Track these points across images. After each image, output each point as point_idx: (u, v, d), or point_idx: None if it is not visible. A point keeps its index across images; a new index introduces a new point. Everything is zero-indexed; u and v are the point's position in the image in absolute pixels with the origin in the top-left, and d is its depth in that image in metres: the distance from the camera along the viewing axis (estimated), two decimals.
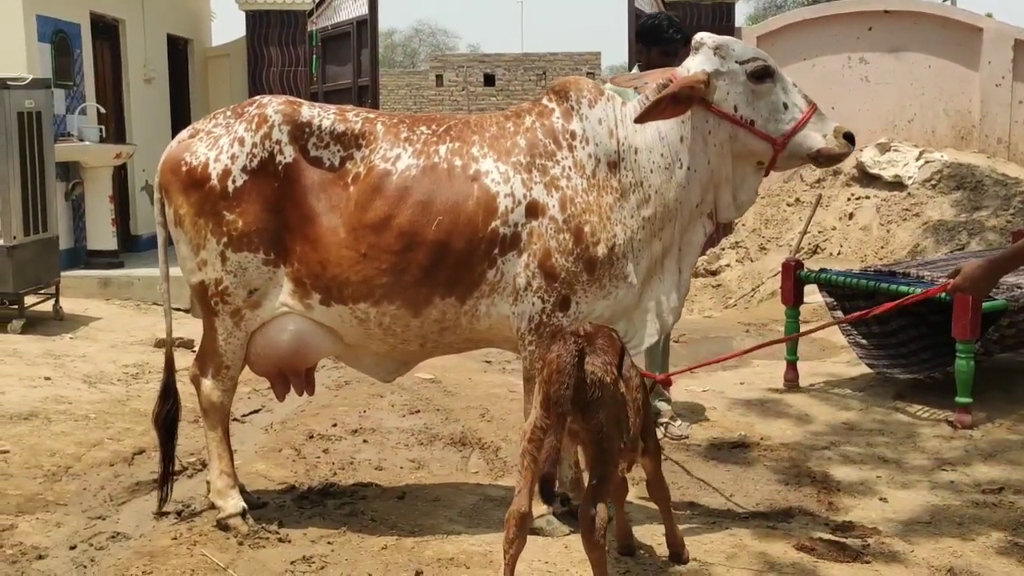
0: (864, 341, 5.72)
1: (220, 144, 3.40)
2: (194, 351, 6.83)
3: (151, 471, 4.26)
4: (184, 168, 3.41)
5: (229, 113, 3.52)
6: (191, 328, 7.36)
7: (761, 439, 4.80)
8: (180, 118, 10.44)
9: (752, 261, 10.17)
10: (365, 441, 4.74)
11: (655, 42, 4.76)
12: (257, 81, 11.04)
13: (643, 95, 3.52)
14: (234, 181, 3.36)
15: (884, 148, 10.45)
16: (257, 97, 3.59)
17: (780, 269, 8.38)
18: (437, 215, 3.36)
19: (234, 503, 3.57)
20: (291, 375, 3.73)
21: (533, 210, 3.40)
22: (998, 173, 9.84)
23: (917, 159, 10.22)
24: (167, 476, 3.70)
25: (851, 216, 10.38)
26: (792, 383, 5.71)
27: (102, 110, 8.57)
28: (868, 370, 5.94)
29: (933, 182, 9.88)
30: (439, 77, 23.65)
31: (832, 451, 4.60)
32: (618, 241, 3.44)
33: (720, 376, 6.19)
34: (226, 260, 3.40)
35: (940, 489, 4.06)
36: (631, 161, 3.49)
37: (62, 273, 7.69)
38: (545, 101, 3.58)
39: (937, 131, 10.76)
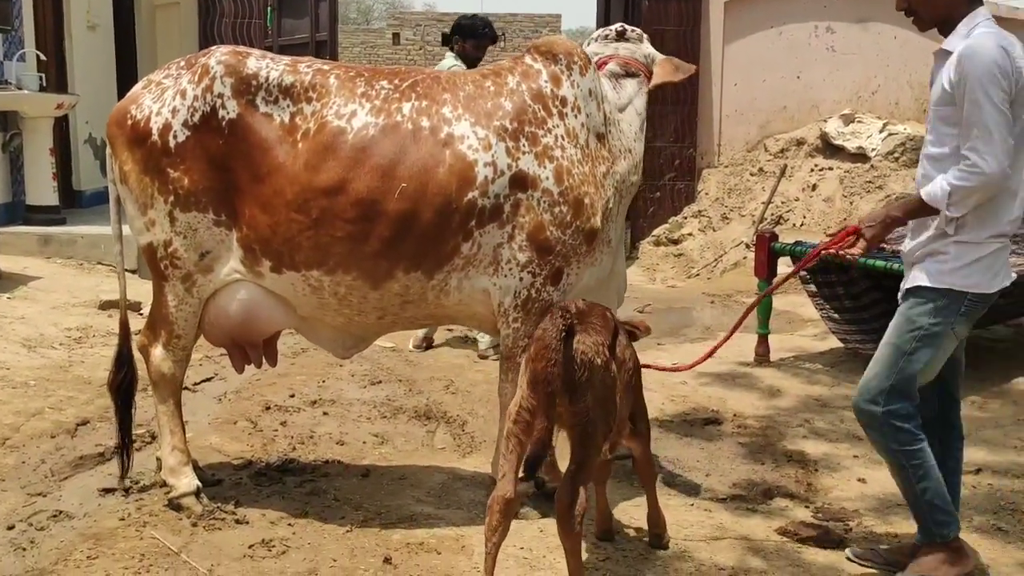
0: (836, 316, 5.62)
1: (164, 97, 3.20)
2: (142, 315, 6.62)
3: (96, 443, 4.02)
4: (129, 121, 3.21)
5: (183, 63, 3.31)
6: (138, 289, 7.03)
7: (734, 415, 4.68)
8: (126, 69, 9.95)
9: (715, 231, 10.05)
10: (325, 413, 4.52)
11: (471, 36, 5.92)
12: (208, 32, 10.52)
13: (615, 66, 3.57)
14: (175, 136, 3.16)
15: (848, 119, 10.36)
16: (212, 48, 3.35)
17: (744, 240, 8.25)
18: (399, 182, 3.10)
19: (187, 481, 3.35)
20: (248, 346, 3.52)
21: (521, 182, 3.20)
22: None
23: (881, 131, 10.15)
24: (125, 448, 3.48)
25: (814, 187, 10.30)
26: (763, 357, 5.60)
27: (42, 57, 8.09)
28: (837, 344, 5.86)
29: (896, 155, 9.83)
30: (396, 35, 23.12)
31: (806, 428, 4.50)
32: (609, 207, 3.37)
33: (689, 349, 6.06)
34: (175, 220, 3.20)
35: None
36: (616, 130, 3.45)
37: None
38: (529, 61, 3.37)
39: (901, 103, 10.69)
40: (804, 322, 6.84)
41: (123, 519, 3.24)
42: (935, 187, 2.77)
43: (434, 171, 3.13)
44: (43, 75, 8.04)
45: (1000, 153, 2.67)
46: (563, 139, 3.26)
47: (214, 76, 3.15)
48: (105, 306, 6.48)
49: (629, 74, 3.55)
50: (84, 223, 8.03)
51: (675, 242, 10.09)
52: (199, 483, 3.37)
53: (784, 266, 6.23)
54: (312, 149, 3.11)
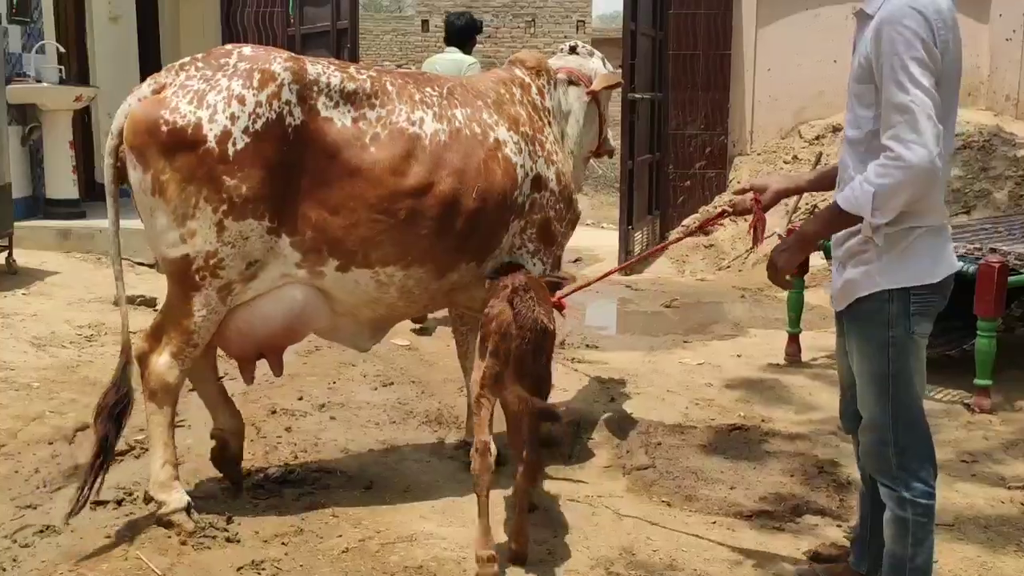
0: None
1: (210, 102, 3.01)
2: (156, 309, 6.49)
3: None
4: (165, 128, 2.99)
5: (201, 64, 3.12)
6: (154, 284, 6.94)
7: (762, 421, 4.44)
8: (149, 61, 9.84)
9: (746, 221, 9.73)
10: (332, 418, 4.35)
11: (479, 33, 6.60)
12: (231, 22, 10.44)
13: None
14: (235, 144, 3.00)
15: None
16: (229, 46, 3.22)
17: (777, 231, 7.95)
18: (473, 182, 3.35)
19: (178, 497, 3.18)
20: (272, 354, 3.45)
21: (537, 182, 3.57)
22: (1006, 132, 9.38)
23: None
24: (99, 469, 3.21)
25: None
26: (794, 357, 5.35)
27: (62, 49, 7.99)
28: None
29: None
30: (424, 23, 22.88)
31: (838, 437, 4.23)
32: None
33: (715, 348, 5.82)
34: (224, 230, 3.04)
35: (961, 483, 3.71)
36: (573, 133, 3.94)
37: (17, 224, 7.21)
38: (520, 74, 3.78)
39: None
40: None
41: (109, 536, 3.09)
42: (854, 190, 2.35)
43: (494, 172, 3.40)
44: (62, 67, 7.95)
45: (929, 141, 2.22)
46: (555, 144, 3.71)
47: (281, 83, 3.07)
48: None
49: (571, 83, 3.96)
50: (105, 217, 7.91)
51: (706, 233, 9.80)
52: (189, 499, 3.20)
53: (820, 260, 5.99)
54: (394, 154, 3.21)
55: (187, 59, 3.19)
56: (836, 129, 10.09)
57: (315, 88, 3.14)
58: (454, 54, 6.26)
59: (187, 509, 3.16)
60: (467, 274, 3.49)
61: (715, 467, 3.90)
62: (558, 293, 3.51)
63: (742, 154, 9.90)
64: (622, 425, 4.33)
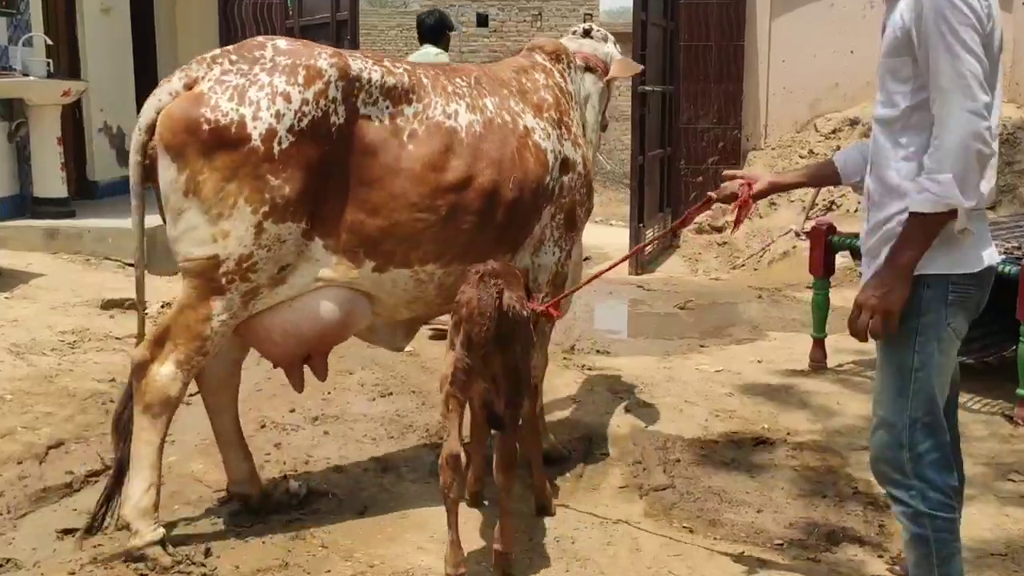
0: None
1: (252, 98, 2.84)
2: (146, 313, 6.19)
3: (66, 471, 3.60)
4: (206, 127, 2.80)
5: (235, 58, 2.93)
6: (146, 287, 6.64)
7: (788, 435, 4.12)
8: (144, 54, 9.56)
9: (761, 218, 9.41)
10: (326, 433, 4.05)
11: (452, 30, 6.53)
12: (229, 14, 10.15)
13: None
14: (280, 142, 2.85)
15: None
16: (261, 38, 3.04)
17: (793, 228, 7.64)
18: (509, 172, 3.26)
19: (155, 529, 2.88)
20: (318, 357, 3.29)
21: (565, 165, 3.50)
22: None
23: None
24: (114, 492, 3.01)
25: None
26: (819, 363, 5.03)
27: (49, 41, 7.69)
28: None
29: None
30: None
31: None
32: None
33: (734, 352, 5.51)
34: (262, 232, 2.87)
35: (1010, 506, 3.39)
36: (591, 120, 3.86)
37: (3, 223, 6.96)
38: (541, 60, 3.69)
39: None
40: None
41: (74, 573, 2.79)
42: (929, 188, 2.12)
43: (526, 160, 3.32)
44: (50, 60, 7.65)
45: (982, 109, 2.09)
46: (578, 128, 3.63)
47: (328, 80, 2.93)
48: (107, 305, 6.08)
49: (589, 69, 3.85)
50: (98, 215, 7.62)
51: (719, 230, 9.48)
52: (163, 531, 2.90)
53: (843, 259, 5.67)
54: (433, 150, 3.11)
55: (217, 52, 2.99)
56: (853, 122, 9.77)
57: (357, 85, 3.00)
58: (426, 49, 6.24)
59: (162, 542, 2.86)
60: None
61: (740, 487, 3.58)
62: (556, 296, 3.36)
63: (756, 149, 9.59)
64: (637, 439, 4.02)
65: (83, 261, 7.01)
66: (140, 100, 9.36)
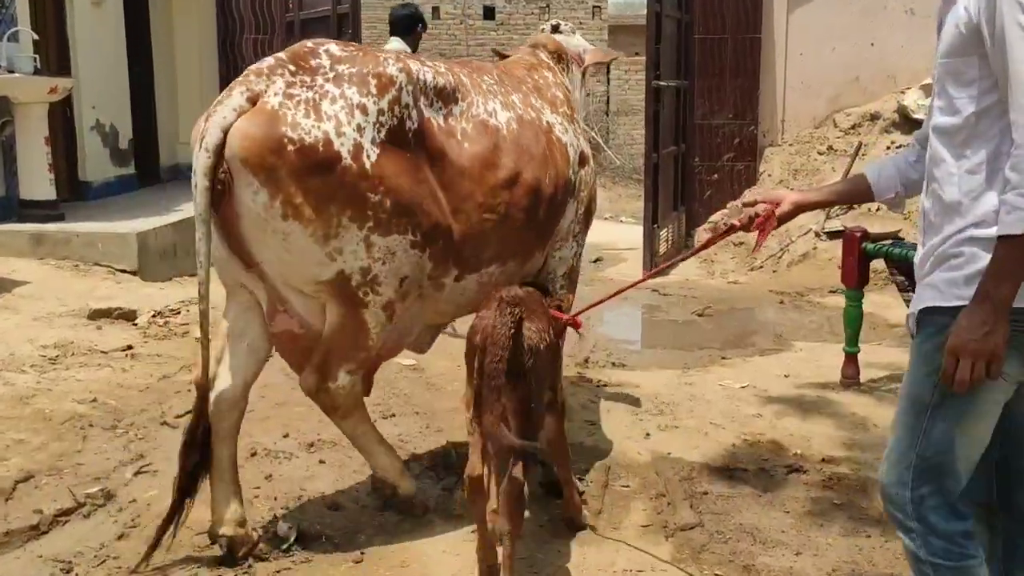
0: None
1: (328, 112, 2.72)
2: (135, 324, 5.89)
3: (33, 509, 3.27)
4: (291, 147, 2.66)
5: (293, 68, 2.78)
6: (135, 295, 6.34)
7: (823, 461, 3.79)
8: (138, 49, 9.24)
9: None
10: (321, 462, 3.72)
11: (423, 26, 6.44)
12: (227, 8, 9.83)
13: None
14: (368, 156, 2.77)
15: (929, 90, 9.30)
16: (310, 43, 2.90)
17: (812, 227, 7.33)
18: (547, 168, 3.27)
19: (411, 480, 3.30)
20: (369, 373, 3.29)
21: (582, 159, 3.52)
22: None
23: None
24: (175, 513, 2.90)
25: None
26: (852, 380, 4.68)
27: (35, 36, 7.37)
28: None
29: None
30: (435, 9, 22.17)
31: None
32: None
33: (759, 365, 5.17)
34: (372, 246, 2.83)
35: None
36: (580, 111, 3.86)
37: None
38: (545, 58, 3.80)
39: None
40: (890, 327, 5.90)
41: None
42: (1018, 204, 1.82)
43: (555, 155, 3.33)
44: (37, 56, 7.32)
45: None
46: (581, 122, 3.69)
47: (400, 86, 2.87)
48: (94, 315, 5.76)
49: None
50: (89, 218, 7.31)
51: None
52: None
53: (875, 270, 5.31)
54: (486, 148, 3.08)
55: (270, 61, 2.82)
56: (874, 117, 9.41)
57: (420, 87, 2.95)
58: (392, 44, 6.14)
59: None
60: (537, 261, 3.45)
61: (774, 525, 3.25)
62: (576, 310, 3.22)
63: (773, 145, 9.24)
64: (660, 469, 3.69)
65: (71, 267, 6.69)
66: (134, 97, 9.21)
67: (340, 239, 2.76)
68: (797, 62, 9.11)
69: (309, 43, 2.90)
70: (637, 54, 16.81)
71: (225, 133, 2.64)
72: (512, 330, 2.53)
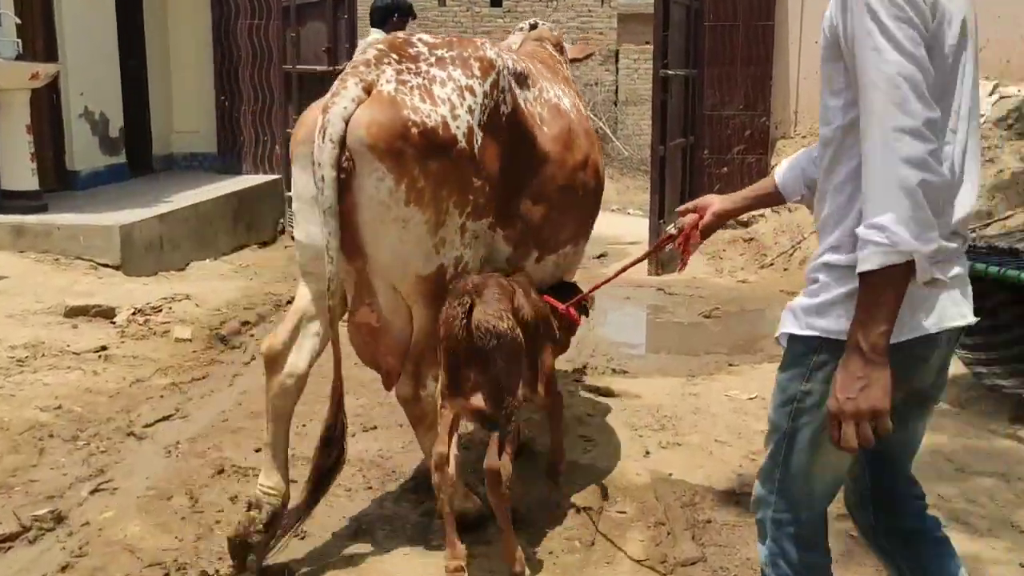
0: (968, 341, 4.34)
1: (441, 96, 2.73)
2: (113, 322, 5.61)
3: None
4: (415, 130, 2.65)
5: (395, 56, 2.79)
6: (116, 291, 6.07)
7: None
8: (130, 34, 8.94)
9: (790, 212, 8.71)
10: (293, 481, 3.42)
11: (410, 14, 6.23)
12: None
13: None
14: (477, 140, 2.78)
15: None
16: (401, 35, 2.89)
17: None
18: (596, 148, 3.38)
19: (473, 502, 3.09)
20: None
21: (602, 144, 3.45)
22: None
23: (990, 94, 8.73)
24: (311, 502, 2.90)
25: None
26: None
27: (17, 20, 7.08)
28: (958, 368, 4.61)
29: (1009, 121, 8.38)
30: None
31: (940, 508, 3.29)
32: None
33: (767, 373, 4.84)
34: (464, 232, 2.83)
35: None
36: None
37: None
38: (551, 50, 3.83)
39: (1013, 61, 9.22)
40: None
41: None
42: (871, 238, 1.60)
43: (593, 137, 3.40)
44: (20, 41, 7.03)
45: (921, 124, 1.58)
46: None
47: (499, 70, 2.89)
48: (71, 313, 5.49)
49: None
50: (74, 209, 7.04)
51: (744, 225, 8.82)
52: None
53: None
54: (561, 130, 3.15)
55: (373, 52, 2.81)
56: None
57: (507, 72, 2.96)
58: (375, 35, 5.95)
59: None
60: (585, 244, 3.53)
61: None
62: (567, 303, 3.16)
63: (785, 137, 8.90)
64: (660, 493, 3.40)
65: (52, 261, 6.42)
66: (126, 83, 8.91)
67: (445, 227, 2.76)
68: (812, 50, 8.74)
69: (402, 35, 2.90)
70: (647, 43, 16.45)
71: (346, 123, 2.62)
72: (464, 319, 2.59)
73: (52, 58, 7.76)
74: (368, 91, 2.69)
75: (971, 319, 1.80)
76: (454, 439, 2.76)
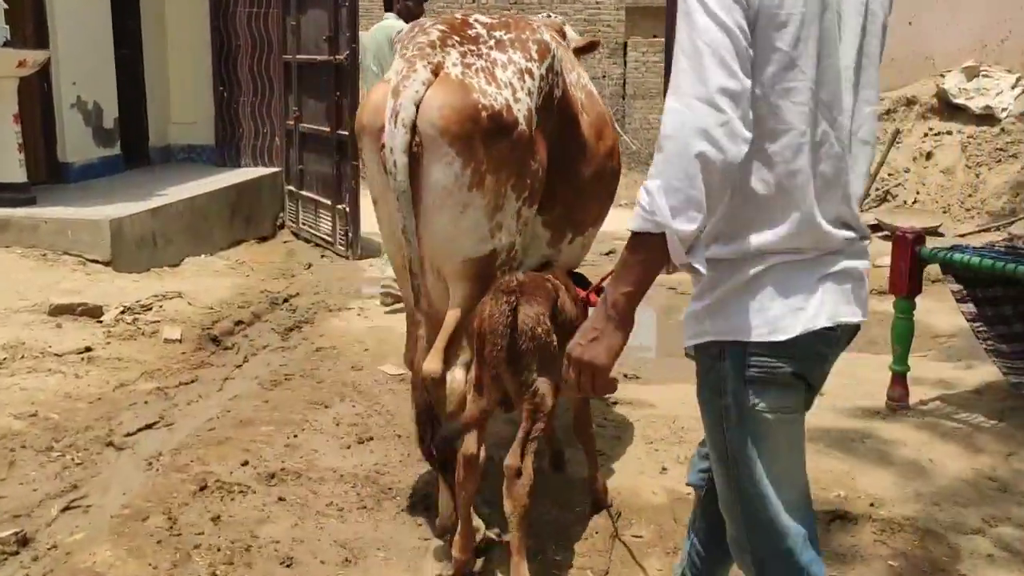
0: (1005, 347, 4.06)
1: (503, 79, 2.70)
2: (100, 321, 5.34)
3: None
4: (485, 113, 2.62)
5: (457, 39, 2.74)
6: (105, 288, 5.81)
7: (872, 505, 3.22)
8: (126, 21, 8.67)
9: None
10: (281, 499, 3.18)
11: None
12: None
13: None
14: (534, 124, 2.75)
15: (972, 73, 8.66)
16: (459, 15, 2.84)
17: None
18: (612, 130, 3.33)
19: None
20: None
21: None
22: None
23: (1013, 87, 8.45)
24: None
25: (929, 156, 8.63)
26: (900, 403, 4.09)
27: (5, 5, 6.80)
28: (993, 374, 4.34)
29: None
30: None
31: (987, 535, 3.02)
32: None
33: None
34: (519, 218, 2.81)
35: None
36: None
37: None
38: (556, 36, 3.65)
39: None
40: (933, 337, 5.30)
41: None
42: (640, 197, 1.56)
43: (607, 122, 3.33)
44: (8, 27, 6.76)
45: (714, 94, 1.50)
46: None
47: (554, 54, 2.86)
48: (55, 311, 5.23)
49: None
50: (64, 203, 6.78)
51: None
52: None
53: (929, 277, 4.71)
54: (599, 116, 3.15)
55: (435, 32, 2.73)
56: (911, 102, 8.81)
57: (557, 56, 2.90)
58: (388, 20, 6.06)
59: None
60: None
61: None
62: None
63: None
64: (679, 514, 3.13)
65: (38, 256, 6.16)
66: (120, 72, 8.61)
67: (502, 212, 2.73)
68: None
69: (460, 15, 2.85)
70: (655, 36, 16.18)
71: (417, 107, 2.57)
72: (509, 318, 2.52)
73: (42, 45, 7.49)
74: (436, 74, 2.64)
75: (862, 318, 1.72)
76: (482, 440, 2.68)
